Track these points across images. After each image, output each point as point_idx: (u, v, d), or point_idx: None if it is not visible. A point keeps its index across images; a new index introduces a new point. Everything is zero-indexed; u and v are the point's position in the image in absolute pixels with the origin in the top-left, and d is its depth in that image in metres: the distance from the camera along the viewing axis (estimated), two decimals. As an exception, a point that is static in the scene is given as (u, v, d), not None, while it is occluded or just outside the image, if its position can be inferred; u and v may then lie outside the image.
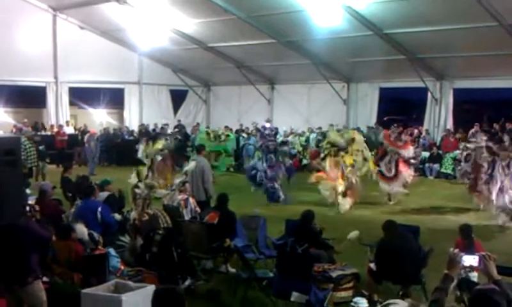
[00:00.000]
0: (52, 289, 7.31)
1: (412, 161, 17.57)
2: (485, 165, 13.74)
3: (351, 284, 8.49)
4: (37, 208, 7.44)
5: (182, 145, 22.72)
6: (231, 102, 31.88)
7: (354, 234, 9.46)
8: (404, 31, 20.86)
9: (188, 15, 23.81)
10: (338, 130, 20.35)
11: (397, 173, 16.53)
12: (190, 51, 27.61)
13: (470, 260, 4.36)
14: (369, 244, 9.05)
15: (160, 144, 16.00)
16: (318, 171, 16.37)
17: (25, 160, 16.98)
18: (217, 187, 14.80)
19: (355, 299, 7.29)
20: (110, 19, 25.88)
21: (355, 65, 26.10)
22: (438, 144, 23.98)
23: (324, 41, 22.69)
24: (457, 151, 21.52)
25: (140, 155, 18.58)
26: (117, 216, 10.66)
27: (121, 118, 32.02)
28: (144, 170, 11.42)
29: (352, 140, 15.88)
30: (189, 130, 28.98)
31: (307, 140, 25.92)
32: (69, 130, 27.27)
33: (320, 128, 25.77)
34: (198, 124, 29.92)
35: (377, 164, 16.70)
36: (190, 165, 12.99)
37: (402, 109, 34.85)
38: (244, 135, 26.68)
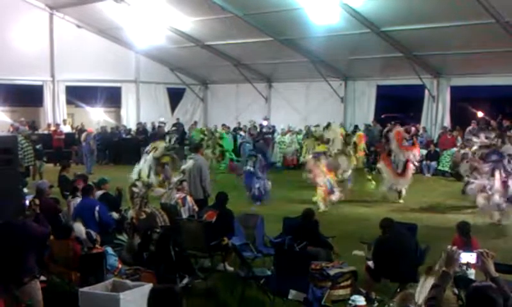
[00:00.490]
0: (50, 288, 7.31)
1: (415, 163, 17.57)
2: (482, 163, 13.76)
3: (348, 282, 8.49)
4: (37, 201, 7.43)
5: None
6: (228, 100, 31.86)
7: (359, 253, 9.42)
8: (401, 28, 20.86)
9: (185, 13, 23.78)
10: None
11: (406, 169, 16.53)
12: (187, 49, 27.58)
13: (468, 257, 4.37)
14: (367, 242, 9.06)
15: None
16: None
17: (22, 159, 16.97)
18: (216, 185, 14.81)
19: (353, 297, 7.30)
20: (107, 17, 25.83)
21: (352, 63, 26.08)
22: (435, 141, 24.01)
23: (322, 39, 22.68)
24: (455, 149, 21.58)
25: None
26: (115, 215, 10.65)
27: (118, 117, 31.97)
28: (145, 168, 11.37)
29: (328, 126, 15.98)
30: (186, 128, 28.98)
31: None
32: (66, 128, 27.28)
33: (318, 125, 25.72)
34: (195, 122, 29.90)
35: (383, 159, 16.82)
36: (187, 164, 12.98)
37: (399, 107, 34.84)
38: (242, 133, 26.69)
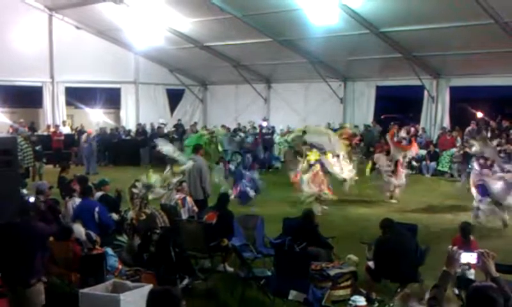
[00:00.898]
0: (50, 289, 7.30)
1: (414, 163, 17.58)
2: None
3: (349, 283, 8.49)
4: (42, 198, 7.42)
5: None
6: (228, 101, 31.87)
7: (354, 258, 9.40)
8: (400, 29, 20.87)
9: (184, 14, 23.78)
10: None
11: (396, 169, 16.57)
12: (186, 50, 27.59)
13: (468, 258, 4.37)
14: (367, 242, 9.05)
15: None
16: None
17: (22, 161, 16.96)
18: (215, 186, 14.81)
19: (353, 297, 7.32)
20: (106, 19, 25.83)
21: (352, 64, 26.10)
22: (434, 142, 24.02)
23: (321, 39, 22.70)
24: (454, 149, 21.59)
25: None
26: (114, 216, 10.64)
27: (117, 118, 31.95)
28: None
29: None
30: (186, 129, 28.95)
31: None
32: (65, 130, 27.26)
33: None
34: (195, 123, 29.87)
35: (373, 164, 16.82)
36: (187, 165, 12.97)
37: (398, 107, 34.85)
38: (242, 134, 26.67)
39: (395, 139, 17.40)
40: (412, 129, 24.66)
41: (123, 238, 10.23)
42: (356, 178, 15.76)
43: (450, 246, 4.41)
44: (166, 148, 13.61)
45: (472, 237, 8.86)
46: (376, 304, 8.16)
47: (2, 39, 25.01)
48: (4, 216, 6.19)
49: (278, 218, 11.19)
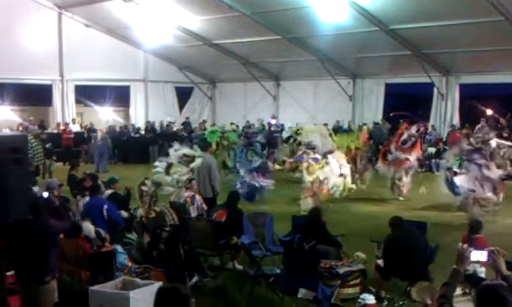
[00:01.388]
0: (60, 286, 7.33)
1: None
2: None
3: (358, 281, 8.46)
4: (56, 193, 7.45)
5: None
6: (236, 99, 31.89)
7: (362, 255, 9.38)
8: (409, 26, 20.82)
9: (193, 12, 23.82)
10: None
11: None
12: (195, 48, 27.63)
13: (478, 255, 4.35)
14: (376, 240, 9.03)
15: None
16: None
17: (32, 158, 17.03)
18: (224, 184, 14.83)
19: (362, 296, 7.29)
20: (115, 17, 25.92)
21: (361, 61, 26.05)
22: (444, 139, 23.91)
23: (330, 37, 22.65)
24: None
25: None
26: (124, 213, 10.68)
27: (127, 116, 32.09)
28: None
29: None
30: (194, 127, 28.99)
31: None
32: (75, 128, 27.37)
33: (326, 124, 25.71)
34: (204, 121, 29.90)
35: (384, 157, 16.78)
36: (196, 162, 12.99)
37: (408, 105, 34.61)
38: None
39: (404, 136, 17.25)
40: (422, 128, 24.59)
41: (133, 235, 10.27)
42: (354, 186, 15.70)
43: (460, 244, 4.40)
44: (185, 149, 13.71)
45: (481, 234, 8.81)
46: (385, 302, 8.15)
47: (12, 37, 25.15)
48: (16, 214, 6.20)
49: (287, 216, 11.18)
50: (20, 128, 23.27)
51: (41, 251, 6.54)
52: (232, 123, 26.97)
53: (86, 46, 27.25)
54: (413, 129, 17.66)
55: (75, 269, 8.16)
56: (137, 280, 7.38)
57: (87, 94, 29.44)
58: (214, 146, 16.48)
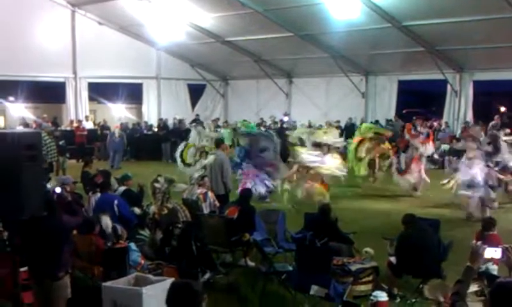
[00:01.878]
0: (73, 282, 7.38)
1: (435, 156, 17.44)
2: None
3: (370, 278, 8.46)
4: (68, 188, 7.49)
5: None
6: (249, 96, 31.86)
7: (370, 251, 9.35)
8: (422, 22, 20.70)
9: (205, 9, 23.84)
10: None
11: (408, 168, 16.49)
12: (207, 45, 27.65)
13: (492, 253, 4.33)
14: (389, 238, 9.01)
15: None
16: None
17: (46, 155, 17.12)
18: (236, 181, 14.83)
19: (375, 293, 7.27)
20: (128, 14, 25.99)
21: (373, 58, 25.97)
22: (457, 136, 23.77)
23: (342, 34, 22.60)
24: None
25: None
26: (137, 210, 10.72)
27: (139, 113, 32.19)
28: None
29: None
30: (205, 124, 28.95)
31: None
32: (88, 125, 27.50)
33: (338, 121, 25.71)
34: (217, 119, 29.90)
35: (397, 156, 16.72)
36: (209, 159, 13.02)
37: (421, 102, 34.62)
38: (262, 129, 26.62)
39: (413, 132, 17.27)
40: (435, 124, 24.49)
41: (145, 232, 10.30)
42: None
43: (474, 241, 4.38)
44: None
45: (494, 232, 8.75)
46: (398, 300, 8.13)
47: (25, 35, 25.28)
48: (30, 210, 6.25)
49: (299, 213, 11.18)
50: (34, 125, 23.39)
51: (54, 247, 6.58)
52: (244, 120, 26.97)
53: (99, 43, 27.35)
54: (422, 128, 17.66)
55: (88, 265, 8.19)
56: (150, 276, 7.41)
57: (100, 91, 29.58)
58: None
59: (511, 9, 17.55)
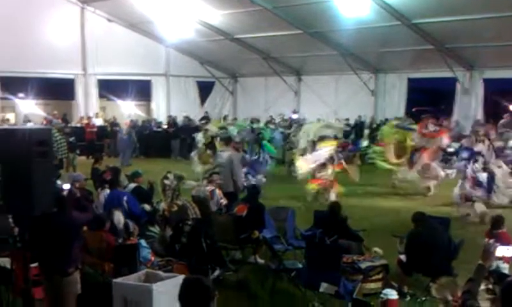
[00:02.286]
0: (83, 278, 7.41)
1: (449, 149, 17.39)
2: None
3: (380, 276, 8.45)
4: (77, 185, 7.53)
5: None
6: (258, 94, 31.85)
7: (379, 251, 9.33)
8: (432, 20, 20.63)
9: (214, 7, 23.85)
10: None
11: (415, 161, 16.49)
12: (216, 42, 27.67)
13: (504, 251, 4.32)
14: (399, 236, 8.99)
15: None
16: None
17: (56, 152, 17.17)
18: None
19: (384, 291, 7.27)
20: (137, 11, 26.04)
21: (383, 56, 25.89)
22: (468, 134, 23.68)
23: (351, 31, 22.54)
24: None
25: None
26: (147, 207, 10.74)
27: (148, 110, 32.27)
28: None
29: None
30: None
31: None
32: (98, 122, 27.59)
33: (347, 119, 25.66)
34: (226, 116, 29.90)
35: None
36: (220, 157, 13.07)
37: (431, 100, 34.38)
38: (272, 126, 26.60)
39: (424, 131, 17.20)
40: (445, 122, 24.35)
41: (155, 229, 10.32)
42: None
43: (486, 239, 4.37)
44: None
45: (503, 229, 8.71)
46: (408, 298, 8.11)
47: (35, 32, 25.40)
48: (41, 207, 6.27)
49: (309, 210, 11.18)
50: (44, 122, 23.47)
51: (65, 243, 6.63)
52: (253, 118, 26.96)
53: (108, 40, 27.41)
54: (431, 127, 17.60)
55: (98, 261, 8.23)
56: (160, 273, 7.42)
57: (109, 88, 29.65)
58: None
59: (521, 7, 17.49)
